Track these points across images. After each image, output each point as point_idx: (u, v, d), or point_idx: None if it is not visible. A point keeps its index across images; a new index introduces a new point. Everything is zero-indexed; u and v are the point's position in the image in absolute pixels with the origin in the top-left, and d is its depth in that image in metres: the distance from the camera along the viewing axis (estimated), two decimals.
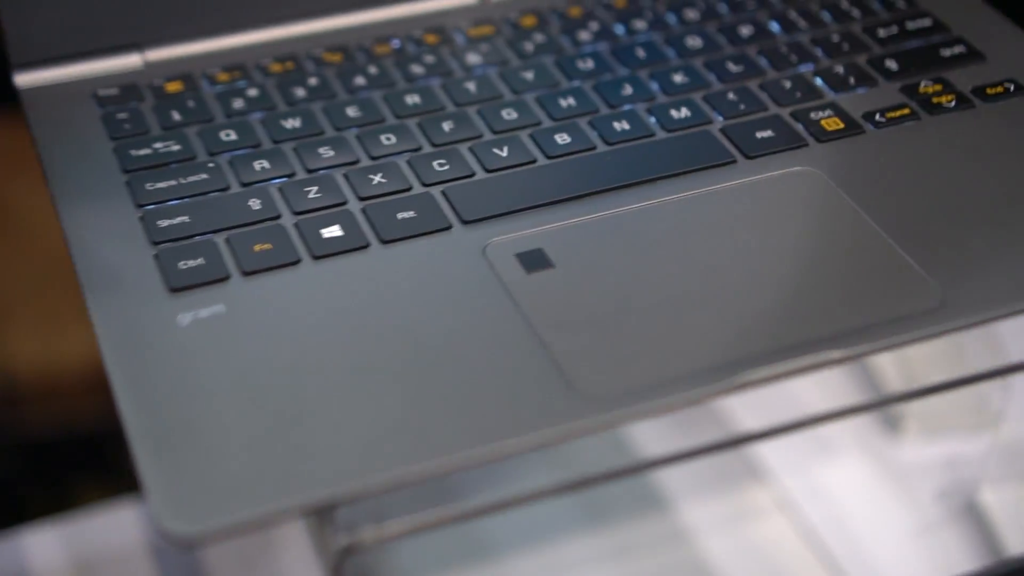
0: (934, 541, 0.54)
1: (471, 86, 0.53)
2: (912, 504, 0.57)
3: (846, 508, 0.55)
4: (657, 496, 0.49)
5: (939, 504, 0.57)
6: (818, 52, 0.54)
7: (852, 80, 0.52)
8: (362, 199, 0.47)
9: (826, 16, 0.56)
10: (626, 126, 0.50)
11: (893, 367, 0.45)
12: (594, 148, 0.49)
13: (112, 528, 0.58)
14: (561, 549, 0.53)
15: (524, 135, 0.50)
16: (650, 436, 0.39)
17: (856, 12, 0.57)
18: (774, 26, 0.56)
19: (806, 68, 0.53)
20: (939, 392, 0.44)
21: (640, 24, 0.56)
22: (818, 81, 0.52)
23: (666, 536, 0.52)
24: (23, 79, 0.52)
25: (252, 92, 0.52)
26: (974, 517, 0.56)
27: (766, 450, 0.51)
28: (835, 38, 0.55)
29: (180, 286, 0.43)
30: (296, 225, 0.46)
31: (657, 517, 0.52)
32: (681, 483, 0.50)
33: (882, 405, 0.43)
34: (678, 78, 0.53)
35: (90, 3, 0.53)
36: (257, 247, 0.45)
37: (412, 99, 0.52)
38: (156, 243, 0.45)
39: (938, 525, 0.55)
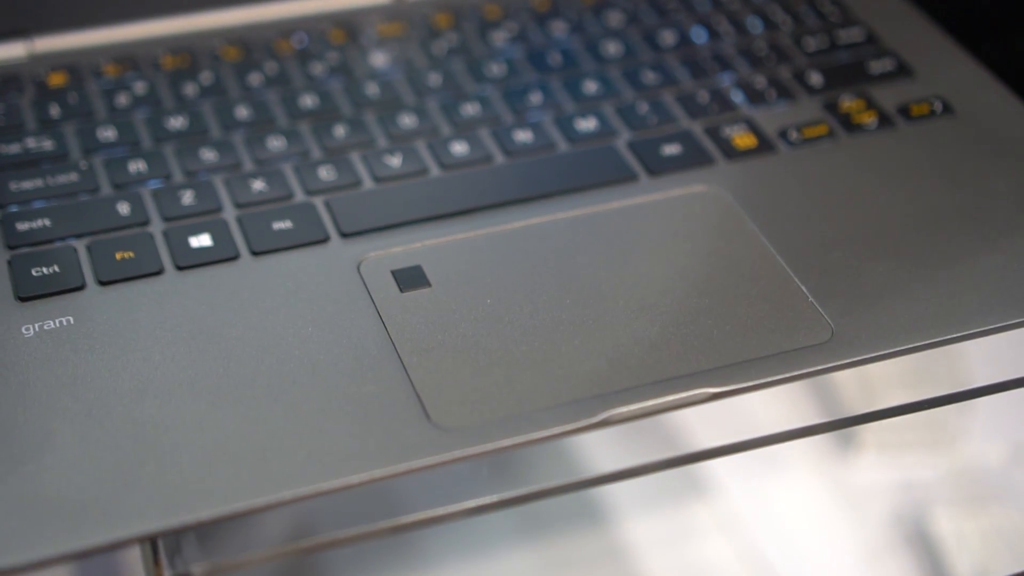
0: (883, 566, 0.51)
1: (372, 89, 0.50)
2: (862, 527, 0.54)
3: (792, 529, 0.53)
4: (596, 511, 0.47)
5: (890, 528, 0.54)
6: (742, 63, 0.51)
7: (772, 94, 0.50)
8: (239, 206, 0.44)
9: (756, 24, 0.54)
10: (528, 137, 0.47)
11: (853, 386, 0.42)
12: (492, 160, 0.47)
13: None
14: (495, 564, 0.50)
15: (420, 144, 0.47)
16: (595, 450, 0.36)
17: (788, 21, 0.54)
18: (700, 33, 0.53)
19: (726, 79, 0.51)
20: (896, 415, 0.41)
21: (560, 27, 0.54)
22: (737, 94, 0.50)
23: (603, 553, 0.50)
24: None
25: (139, 87, 0.50)
26: (925, 542, 0.54)
27: (710, 465, 0.48)
28: (761, 48, 0.52)
29: (29, 295, 0.41)
30: (164, 233, 0.43)
31: (595, 533, 0.49)
32: (621, 498, 0.48)
33: (836, 427, 0.40)
34: (590, 87, 0.50)
35: None
36: (119, 255, 0.42)
37: (308, 101, 0.49)
38: (12, 247, 0.42)
39: (888, 549, 0.52)
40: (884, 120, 0.48)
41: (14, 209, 0.44)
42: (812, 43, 0.52)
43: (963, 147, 0.47)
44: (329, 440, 0.37)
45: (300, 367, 0.39)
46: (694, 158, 0.47)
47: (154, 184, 0.45)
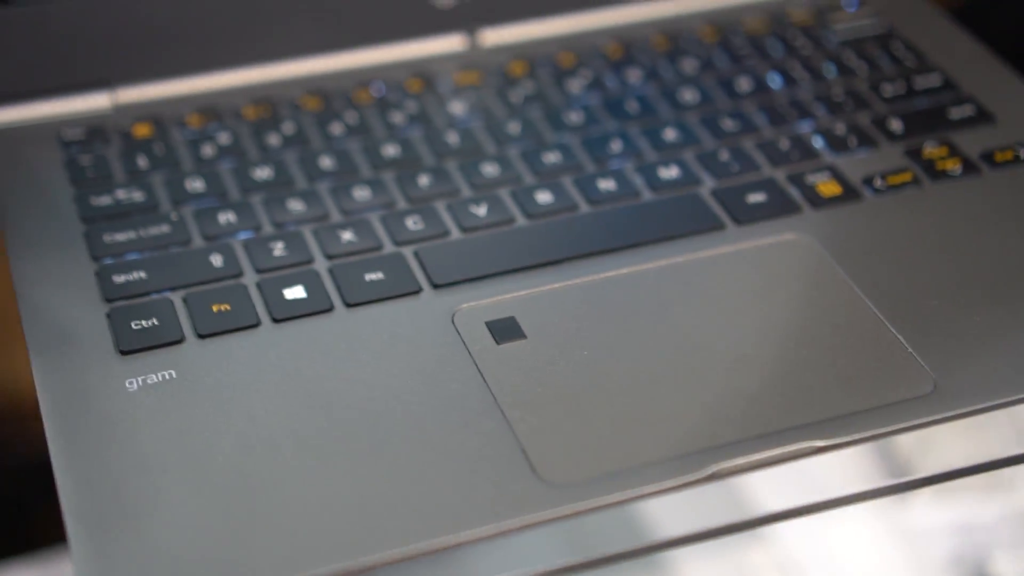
0: None
1: (453, 138, 0.50)
2: (921, 569, 0.54)
3: (851, 572, 0.53)
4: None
5: (949, 570, 0.54)
6: (820, 109, 0.52)
7: (853, 141, 0.50)
8: (330, 257, 0.45)
9: (831, 70, 0.54)
10: (611, 185, 0.48)
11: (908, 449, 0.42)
12: (576, 208, 0.47)
13: None
14: None
15: (504, 192, 0.48)
16: (659, 514, 0.36)
17: (863, 67, 0.54)
18: (775, 80, 0.53)
19: (806, 126, 0.51)
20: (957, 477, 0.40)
21: (635, 75, 0.54)
22: (817, 141, 0.50)
23: None
24: None
25: (224, 138, 0.50)
26: None
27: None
28: (838, 94, 0.52)
29: (131, 348, 0.41)
30: (258, 285, 0.43)
31: (649, 568, 0.49)
32: (717, 554, 0.47)
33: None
34: (670, 134, 0.50)
35: (58, 36, 0.51)
36: (215, 307, 0.42)
37: (391, 150, 0.50)
38: (109, 300, 0.43)
39: None
40: (969, 167, 0.48)
41: (109, 261, 0.44)
42: (889, 89, 0.53)
43: None
44: (435, 495, 0.37)
45: (401, 420, 0.39)
46: (780, 206, 0.47)
47: (244, 235, 0.46)
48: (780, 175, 0.48)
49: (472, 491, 0.37)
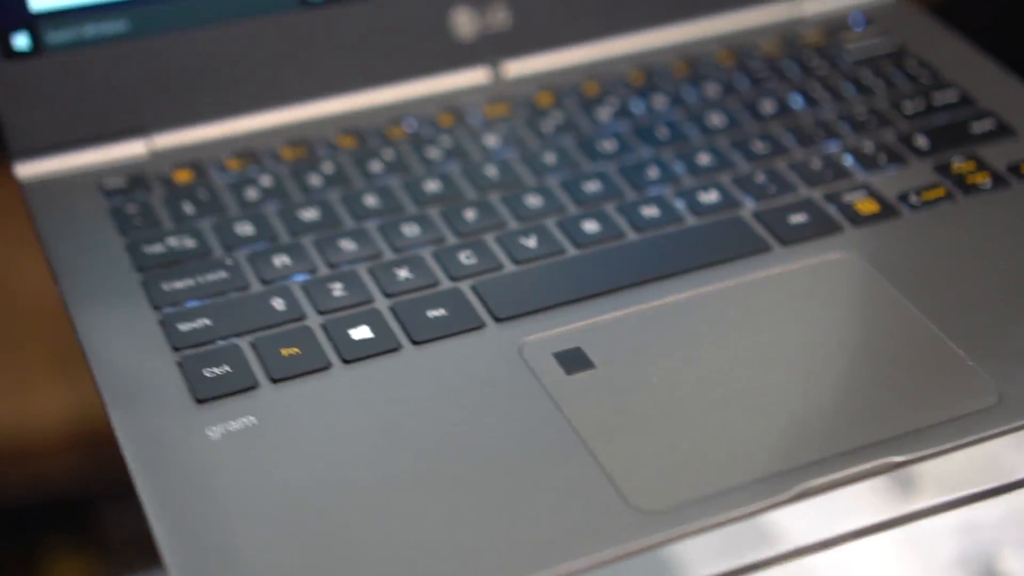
0: None
1: (492, 171, 0.51)
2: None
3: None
4: None
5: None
6: (845, 128, 0.53)
7: (882, 159, 0.51)
8: (389, 296, 0.45)
9: (849, 89, 0.55)
10: (655, 212, 0.49)
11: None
12: (624, 236, 0.48)
13: None
14: None
15: (551, 223, 0.48)
16: (752, 535, 0.37)
17: (880, 84, 0.55)
18: (797, 100, 0.55)
19: (834, 146, 0.52)
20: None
21: (660, 101, 0.55)
22: (847, 160, 0.51)
23: None
24: (24, 169, 0.51)
25: (265, 181, 0.50)
26: None
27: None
28: (861, 113, 0.54)
29: (207, 396, 0.41)
30: (323, 326, 0.44)
31: None
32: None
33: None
34: (704, 159, 0.51)
35: (91, 87, 0.51)
36: (285, 351, 0.43)
37: (432, 186, 0.50)
38: (177, 349, 0.43)
39: None
40: (998, 180, 0.50)
41: (171, 310, 0.44)
42: (909, 106, 0.54)
43: None
44: (526, 530, 0.37)
45: (483, 456, 0.39)
46: (822, 226, 0.48)
47: (300, 278, 0.46)
48: (817, 195, 0.49)
49: (564, 523, 0.37)
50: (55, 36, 0.51)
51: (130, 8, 0.51)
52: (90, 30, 0.51)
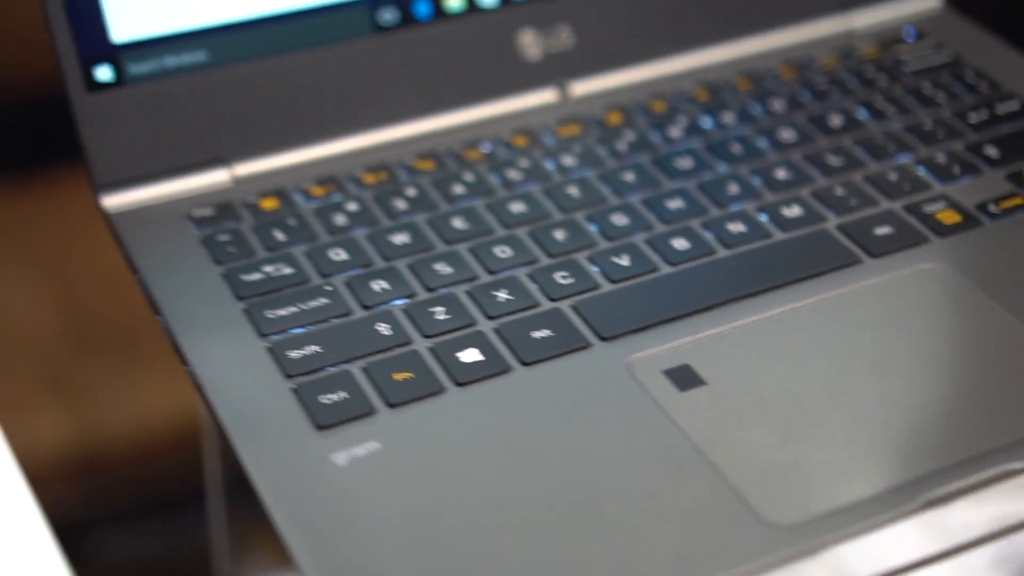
0: None
1: (573, 190, 0.52)
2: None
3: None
4: None
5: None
6: (914, 140, 0.54)
7: (956, 169, 0.52)
8: (491, 318, 0.46)
9: (912, 101, 0.56)
10: (742, 228, 0.49)
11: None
12: (714, 252, 0.48)
13: None
14: None
15: (640, 241, 0.49)
16: (886, 545, 0.38)
17: (941, 96, 0.56)
18: (863, 113, 0.56)
19: (905, 157, 0.53)
20: None
21: (728, 117, 0.56)
22: (921, 171, 0.52)
23: None
24: (110, 201, 0.51)
25: (351, 206, 0.51)
26: None
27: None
28: (927, 125, 0.55)
29: (327, 423, 0.41)
30: (431, 350, 0.44)
31: None
32: None
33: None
34: (781, 174, 0.52)
35: (171, 117, 0.52)
36: (397, 376, 0.43)
37: (517, 207, 0.51)
38: (290, 376, 0.43)
39: None
40: None
41: (277, 338, 0.45)
42: (974, 116, 0.55)
43: None
44: (664, 548, 0.38)
45: (608, 475, 0.40)
46: (907, 237, 0.49)
47: (400, 302, 0.46)
48: (898, 207, 0.50)
49: (699, 539, 0.38)
50: (136, 68, 0.51)
51: (209, 38, 0.52)
52: (170, 61, 0.51)
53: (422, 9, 0.55)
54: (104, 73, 0.50)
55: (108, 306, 0.79)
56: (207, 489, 0.76)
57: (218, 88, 0.52)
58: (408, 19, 0.55)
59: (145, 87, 0.51)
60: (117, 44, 0.50)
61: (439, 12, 0.55)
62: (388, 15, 0.54)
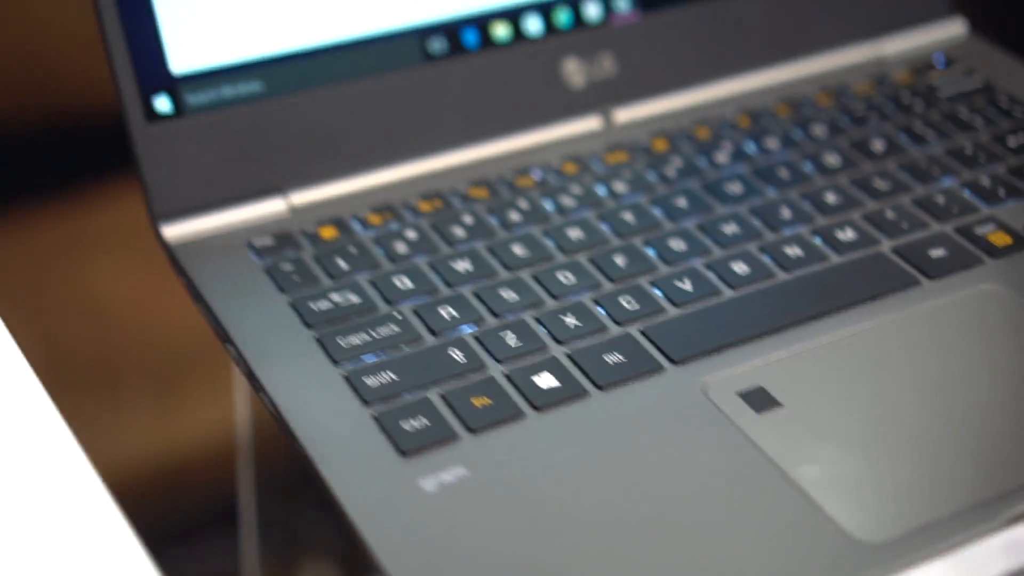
0: None
1: (628, 216, 0.52)
2: None
3: None
4: None
5: None
6: (956, 164, 0.55)
7: (1001, 192, 0.53)
8: (561, 343, 0.46)
9: (950, 126, 0.57)
10: (798, 251, 0.50)
11: None
12: (774, 276, 0.49)
13: None
14: None
15: (699, 265, 0.50)
16: (979, 560, 0.38)
17: (979, 120, 0.57)
18: (903, 138, 0.57)
19: (950, 181, 0.54)
20: None
21: (772, 143, 0.56)
22: (967, 193, 0.53)
23: None
24: (170, 231, 0.51)
25: (410, 234, 0.51)
26: None
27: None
28: (967, 148, 0.56)
29: (411, 449, 0.42)
30: (506, 375, 0.45)
31: None
32: None
33: None
34: (830, 198, 0.53)
35: (228, 149, 0.52)
36: (476, 402, 0.43)
37: (574, 233, 0.51)
38: (368, 403, 0.43)
39: None
40: None
41: (352, 366, 0.45)
42: (1012, 140, 0.56)
43: None
44: (760, 570, 0.38)
45: (697, 497, 0.40)
46: (962, 259, 0.49)
47: (468, 328, 0.47)
48: (949, 229, 0.51)
49: (792, 561, 0.38)
50: (194, 98, 0.51)
51: (264, 69, 0.52)
52: (227, 91, 0.52)
53: (470, 38, 0.56)
54: (163, 104, 0.51)
55: (86, 343, 0.79)
56: (190, 530, 0.76)
57: (273, 118, 0.52)
58: (457, 48, 0.55)
59: (202, 117, 0.51)
60: (176, 75, 0.51)
61: (486, 41, 0.56)
62: (437, 44, 0.55)
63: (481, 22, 0.56)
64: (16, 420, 0.41)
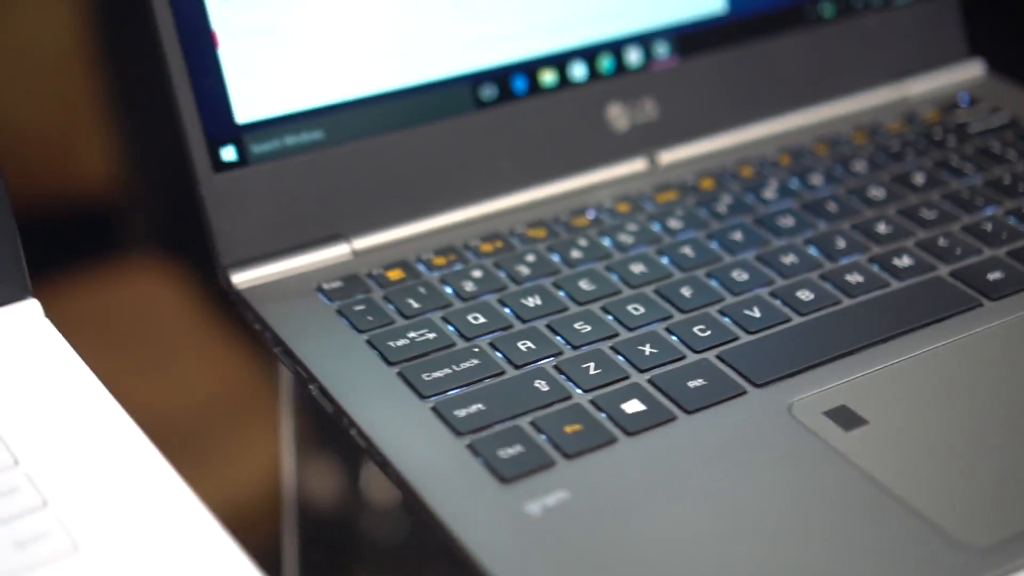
0: None
1: (687, 250, 0.53)
2: None
3: None
4: None
5: None
6: (997, 194, 0.56)
7: None
8: (642, 371, 0.47)
9: (985, 159, 0.59)
10: (859, 278, 0.51)
11: None
12: (839, 302, 0.50)
13: None
14: None
15: (764, 294, 0.50)
16: None
17: (1011, 153, 0.59)
18: (941, 172, 0.58)
19: (993, 210, 0.55)
20: None
21: (816, 179, 0.58)
22: (1012, 220, 0.54)
23: None
24: (239, 278, 0.51)
25: (476, 273, 0.52)
26: None
27: None
28: (1006, 180, 0.57)
29: (511, 476, 0.42)
30: (593, 403, 0.45)
31: None
32: None
33: None
34: (881, 228, 0.54)
35: (290, 197, 0.52)
36: (568, 429, 0.44)
37: (637, 267, 0.52)
38: (460, 434, 0.44)
39: None
40: None
41: (439, 399, 0.45)
42: None
43: None
44: None
45: (800, 517, 0.41)
46: (1020, 281, 0.51)
47: (548, 360, 0.47)
48: (1001, 254, 0.52)
49: (906, 572, 0.39)
50: (259, 147, 0.52)
51: (324, 117, 0.53)
52: (289, 140, 0.52)
53: (519, 84, 0.57)
54: (229, 153, 0.51)
55: None
56: None
57: (333, 165, 0.53)
58: (506, 94, 0.56)
59: (266, 166, 0.52)
60: (241, 124, 0.51)
61: (534, 87, 0.57)
62: (488, 91, 0.56)
63: (530, 68, 0.57)
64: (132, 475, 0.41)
